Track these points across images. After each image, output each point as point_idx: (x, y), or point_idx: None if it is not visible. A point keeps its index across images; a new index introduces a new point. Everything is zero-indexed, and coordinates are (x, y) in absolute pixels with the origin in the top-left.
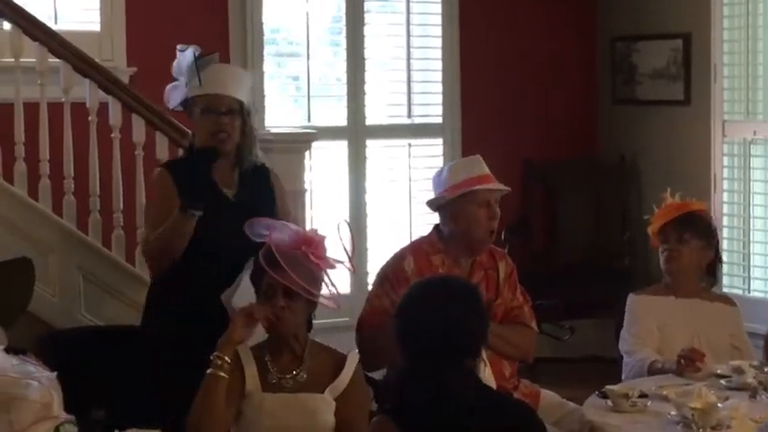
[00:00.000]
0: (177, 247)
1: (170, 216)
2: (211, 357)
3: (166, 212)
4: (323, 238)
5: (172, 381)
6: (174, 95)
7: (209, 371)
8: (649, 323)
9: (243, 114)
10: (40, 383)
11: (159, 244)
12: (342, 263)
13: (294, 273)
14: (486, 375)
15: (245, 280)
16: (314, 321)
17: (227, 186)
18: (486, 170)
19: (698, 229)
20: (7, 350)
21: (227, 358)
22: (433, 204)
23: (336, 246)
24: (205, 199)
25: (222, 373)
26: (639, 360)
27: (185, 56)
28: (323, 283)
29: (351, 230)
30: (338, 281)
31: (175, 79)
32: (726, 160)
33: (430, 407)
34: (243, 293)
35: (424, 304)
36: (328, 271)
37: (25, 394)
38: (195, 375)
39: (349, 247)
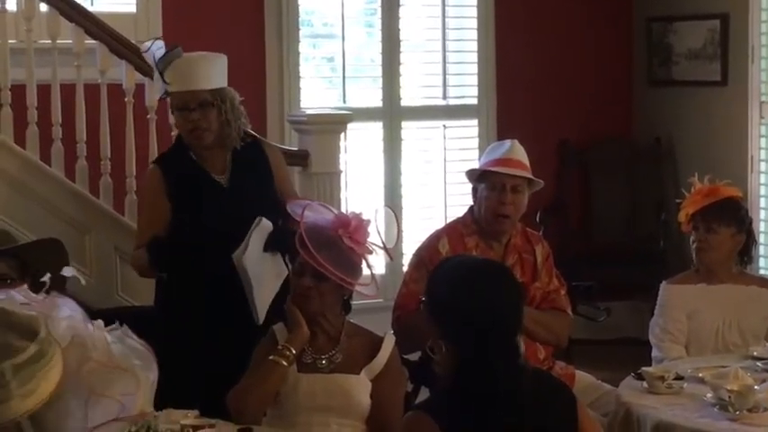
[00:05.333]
0: (147, 277)
1: (160, 216)
2: (279, 347)
3: (156, 214)
4: (363, 222)
5: (187, 369)
6: (160, 87)
7: (271, 357)
8: (678, 314)
9: (217, 102)
10: (126, 372)
11: (137, 270)
12: (380, 249)
13: (323, 255)
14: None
15: (255, 238)
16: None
17: (219, 173)
18: (514, 155)
19: (726, 218)
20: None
21: (294, 350)
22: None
23: (377, 232)
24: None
25: (285, 363)
26: (672, 364)
27: (147, 56)
28: (361, 269)
29: (396, 218)
30: (375, 263)
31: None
32: (763, 142)
33: (495, 396)
34: (252, 252)
35: (467, 295)
36: (368, 256)
37: (106, 389)
38: (205, 363)
39: (392, 235)
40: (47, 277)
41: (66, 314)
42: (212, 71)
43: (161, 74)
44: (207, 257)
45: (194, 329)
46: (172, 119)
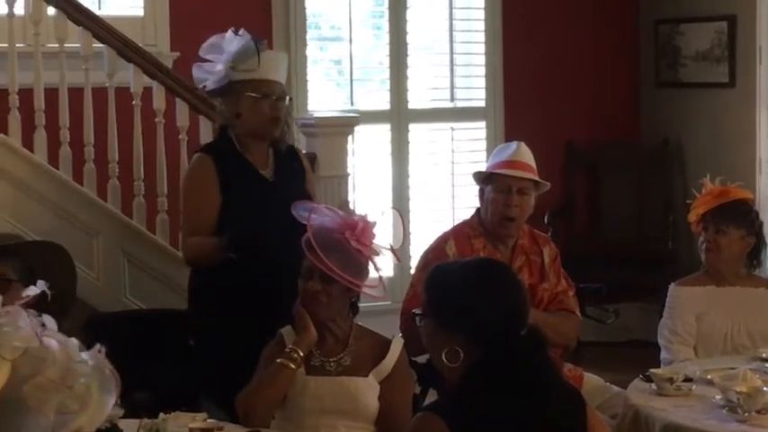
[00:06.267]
0: (207, 266)
1: (209, 205)
2: (287, 350)
3: (206, 202)
4: (370, 224)
5: (225, 364)
6: (212, 77)
7: (279, 360)
8: (687, 316)
9: (287, 98)
10: (72, 390)
11: (192, 256)
12: (387, 250)
13: (331, 258)
14: None
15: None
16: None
17: (264, 167)
18: (520, 157)
19: (736, 220)
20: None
21: (301, 353)
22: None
23: (383, 233)
24: (247, 251)
25: (293, 366)
26: (680, 366)
27: (238, 39)
28: (368, 270)
29: (402, 219)
30: (382, 265)
31: (202, 59)
32: None
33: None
34: None
35: (481, 298)
36: (375, 258)
37: (42, 405)
38: (247, 357)
39: (399, 236)
40: (38, 287)
41: (23, 325)
42: (285, 68)
43: (258, 56)
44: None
45: (234, 323)
46: (180, 121)
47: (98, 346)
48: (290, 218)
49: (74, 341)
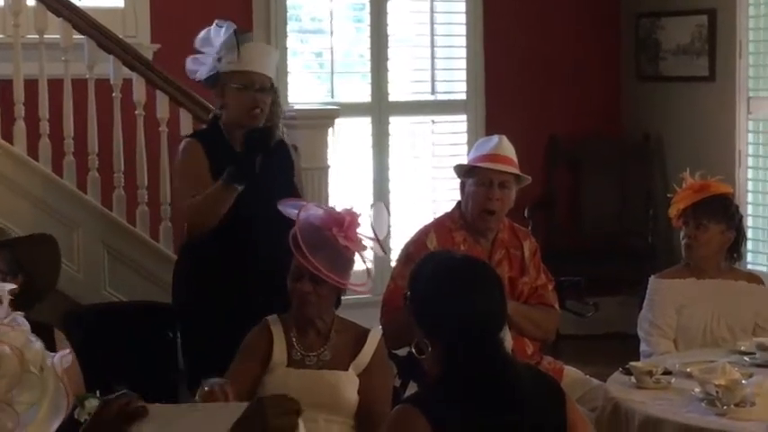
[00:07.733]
0: (218, 215)
1: (203, 184)
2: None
3: (200, 183)
4: (356, 216)
5: (205, 348)
6: (203, 68)
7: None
8: (667, 308)
9: (272, 92)
10: (13, 411)
11: (195, 213)
12: (374, 241)
13: (320, 258)
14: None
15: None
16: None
17: None
18: (502, 151)
19: (716, 214)
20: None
21: None
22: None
23: (368, 227)
24: (250, 175)
25: None
26: (660, 359)
27: (222, 31)
28: (353, 263)
29: (388, 212)
30: (369, 257)
31: (197, 51)
32: (750, 137)
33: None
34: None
35: (448, 295)
36: (363, 253)
37: None
38: (229, 341)
39: (384, 230)
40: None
41: None
42: (272, 61)
43: (237, 48)
44: (237, 240)
45: (218, 312)
46: (160, 113)
47: (61, 354)
48: (275, 211)
49: (35, 346)
